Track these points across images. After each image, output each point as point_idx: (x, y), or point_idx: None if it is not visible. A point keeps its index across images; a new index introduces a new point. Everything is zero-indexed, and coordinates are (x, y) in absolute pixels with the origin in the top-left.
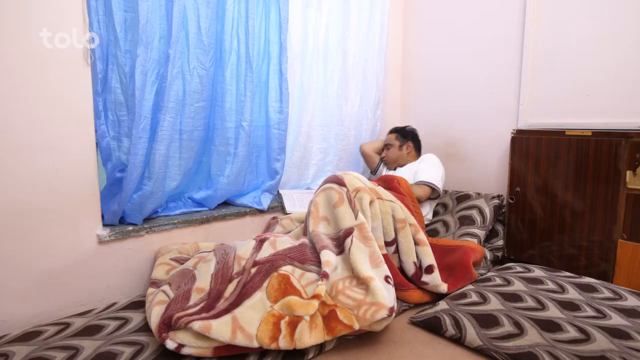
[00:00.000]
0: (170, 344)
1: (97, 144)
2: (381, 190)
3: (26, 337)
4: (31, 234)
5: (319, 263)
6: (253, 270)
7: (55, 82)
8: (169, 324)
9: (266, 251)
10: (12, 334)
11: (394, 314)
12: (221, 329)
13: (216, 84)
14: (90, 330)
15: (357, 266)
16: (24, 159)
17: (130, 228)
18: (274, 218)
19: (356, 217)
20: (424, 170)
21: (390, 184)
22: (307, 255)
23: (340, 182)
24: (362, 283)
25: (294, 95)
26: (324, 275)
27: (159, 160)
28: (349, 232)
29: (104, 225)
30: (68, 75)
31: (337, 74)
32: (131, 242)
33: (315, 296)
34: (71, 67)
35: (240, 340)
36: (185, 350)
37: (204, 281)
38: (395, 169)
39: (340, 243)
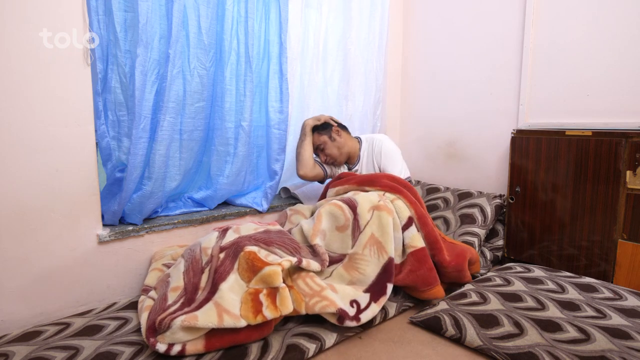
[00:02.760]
0: (161, 347)
1: (97, 144)
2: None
3: (26, 337)
4: (31, 234)
5: (284, 247)
6: (222, 255)
7: (55, 82)
8: (154, 329)
9: (230, 237)
10: (12, 334)
11: (347, 321)
12: (208, 316)
13: (216, 84)
14: (90, 330)
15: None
16: (24, 159)
17: (130, 228)
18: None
19: (354, 245)
20: (390, 170)
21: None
22: (272, 239)
23: (352, 207)
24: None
25: (294, 95)
26: (299, 261)
27: (159, 160)
28: (338, 259)
29: (104, 225)
30: (68, 75)
31: (337, 74)
32: (131, 242)
33: (279, 264)
34: (71, 67)
35: (228, 322)
36: (175, 349)
37: (177, 280)
38: (349, 169)
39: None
